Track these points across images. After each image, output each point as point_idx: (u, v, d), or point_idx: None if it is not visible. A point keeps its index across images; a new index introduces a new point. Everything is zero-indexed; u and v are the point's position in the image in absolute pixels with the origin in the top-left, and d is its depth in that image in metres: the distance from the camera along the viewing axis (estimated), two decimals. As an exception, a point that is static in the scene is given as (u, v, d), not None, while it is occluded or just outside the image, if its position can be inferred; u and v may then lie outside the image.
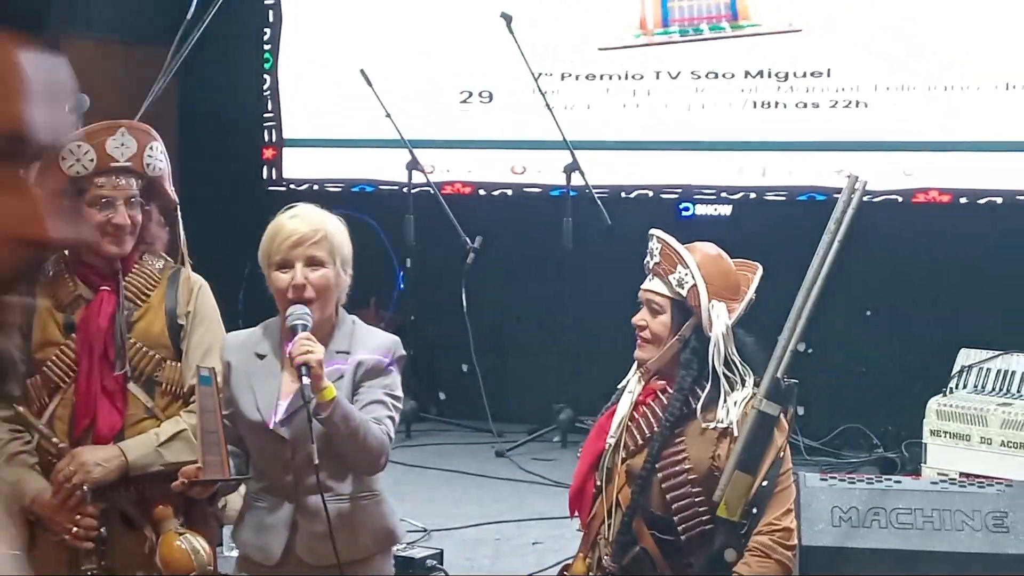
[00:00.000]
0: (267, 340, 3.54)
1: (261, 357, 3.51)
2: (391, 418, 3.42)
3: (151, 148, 3.67)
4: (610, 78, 7.69)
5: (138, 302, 3.67)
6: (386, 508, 3.56)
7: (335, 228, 3.48)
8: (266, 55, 8.43)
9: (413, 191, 7.60)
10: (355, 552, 3.45)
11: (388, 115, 7.36)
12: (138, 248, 3.68)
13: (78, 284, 3.67)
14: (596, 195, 7.12)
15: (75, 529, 3.56)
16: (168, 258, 3.78)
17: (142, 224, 3.66)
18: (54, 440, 3.59)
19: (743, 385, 3.31)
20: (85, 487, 3.55)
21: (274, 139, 8.48)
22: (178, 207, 3.77)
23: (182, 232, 3.78)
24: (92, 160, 3.57)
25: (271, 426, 3.41)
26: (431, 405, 8.12)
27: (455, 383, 8.07)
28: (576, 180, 7.22)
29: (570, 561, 3.50)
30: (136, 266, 3.69)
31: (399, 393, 3.48)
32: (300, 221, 3.45)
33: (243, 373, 3.50)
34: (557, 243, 7.25)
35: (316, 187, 8.34)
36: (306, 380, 3.25)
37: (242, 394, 3.48)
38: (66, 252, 3.68)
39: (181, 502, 3.64)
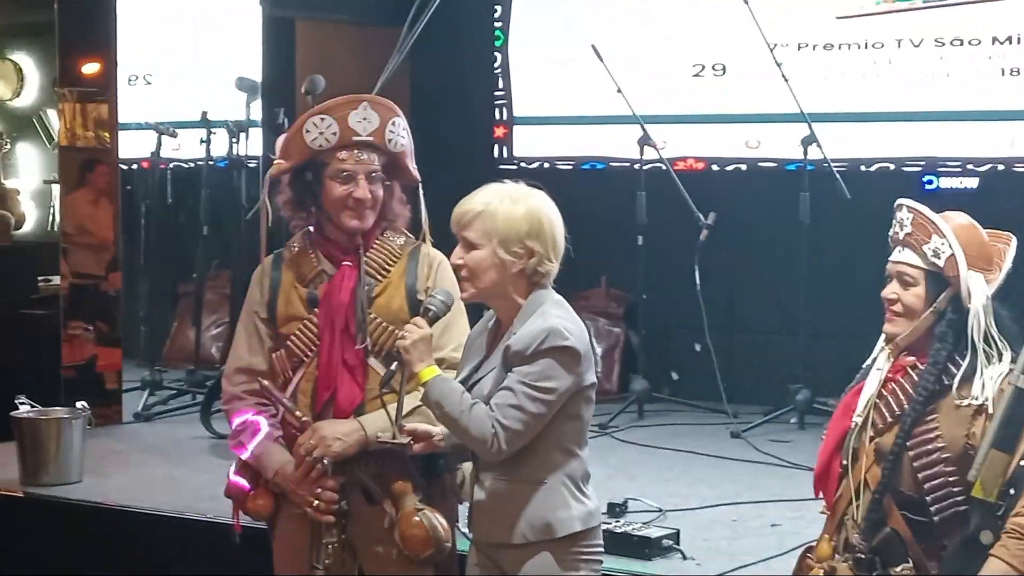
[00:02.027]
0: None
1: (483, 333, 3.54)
2: (516, 407, 3.25)
3: (393, 124, 3.68)
4: (849, 47, 7.48)
5: (379, 277, 3.70)
6: (553, 498, 3.34)
7: (501, 208, 3.33)
8: (497, 32, 8.45)
9: (645, 167, 7.52)
10: (505, 535, 3.36)
11: (619, 90, 7.28)
12: (379, 224, 3.71)
13: (321, 259, 3.72)
14: (834, 168, 6.93)
15: (316, 502, 3.61)
16: (409, 235, 3.79)
17: (384, 200, 3.68)
18: (297, 413, 3.64)
19: (1000, 360, 3.17)
20: (326, 460, 3.59)
21: (505, 117, 8.50)
22: (420, 184, 3.78)
23: (423, 209, 3.78)
24: (335, 133, 3.61)
25: None
26: (663, 385, 8.05)
27: (688, 362, 7.97)
28: (813, 153, 7.04)
29: (812, 543, 3.40)
30: (377, 242, 3.72)
31: (543, 384, 3.26)
32: (464, 202, 3.40)
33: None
34: (793, 218, 7.07)
35: (546, 165, 8.34)
36: (394, 367, 3.45)
37: None
38: (311, 228, 3.74)
39: (420, 478, 3.66)
